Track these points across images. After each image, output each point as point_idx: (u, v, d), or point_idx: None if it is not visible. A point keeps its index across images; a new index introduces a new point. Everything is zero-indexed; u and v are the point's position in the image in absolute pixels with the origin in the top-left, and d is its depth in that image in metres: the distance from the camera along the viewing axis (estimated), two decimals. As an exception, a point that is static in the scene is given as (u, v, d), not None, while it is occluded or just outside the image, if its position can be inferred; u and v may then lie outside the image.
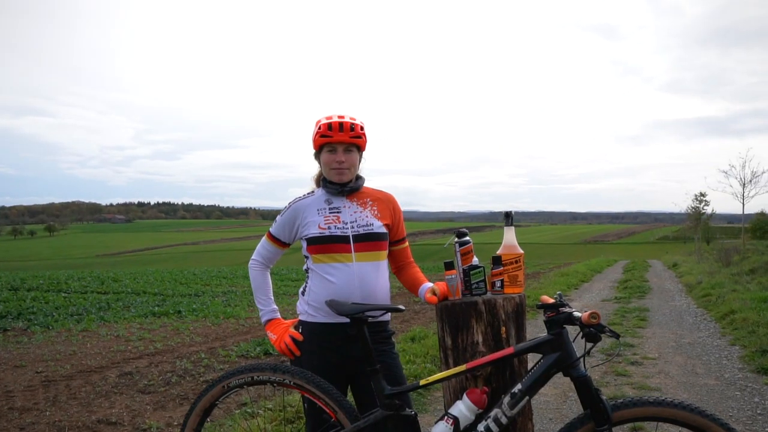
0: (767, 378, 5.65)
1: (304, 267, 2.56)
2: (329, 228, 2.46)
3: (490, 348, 2.24)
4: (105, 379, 6.23)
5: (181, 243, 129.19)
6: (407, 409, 2.25)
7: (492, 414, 2.07)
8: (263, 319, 2.61)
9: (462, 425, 2.11)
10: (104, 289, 17.12)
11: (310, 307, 2.50)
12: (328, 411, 2.27)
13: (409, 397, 2.41)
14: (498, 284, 2.35)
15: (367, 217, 2.51)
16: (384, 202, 2.59)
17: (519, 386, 2.07)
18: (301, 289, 2.59)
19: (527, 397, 2.06)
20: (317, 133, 2.47)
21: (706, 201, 34.89)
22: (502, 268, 2.35)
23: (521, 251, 2.37)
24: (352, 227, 2.47)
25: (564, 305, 2.10)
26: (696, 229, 36.73)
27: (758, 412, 4.67)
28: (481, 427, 2.08)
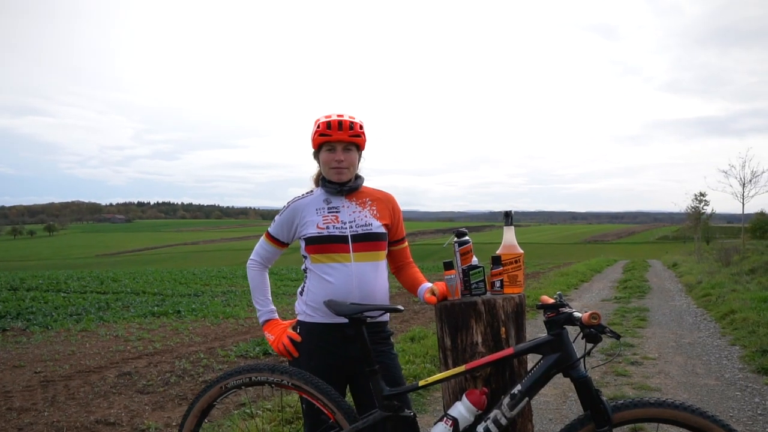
0: (767, 378, 5.64)
1: (303, 267, 2.55)
2: (328, 228, 2.44)
3: (490, 348, 2.22)
4: (104, 379, 6.22)
5: (181, 243, 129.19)
6: (406, 410, 2.23)
7: (491, 415, 2.06)
8: (261, 320, 2.60)
9: (461, 426, 2.09)
10: (103, 289, 17.11)
11: (308, 308, 2.49)
12: (326, 412, 2.25)
13: (408, 397, 2.39)
14: (497, 284, 2.33)
15: (366, 216, 2.50)
16: (383, 202, 2.58)
17: (519, 387, 2.06)
18: (300, 289, 2.57)
19: (527, 398, 2.05)
20: (316, 131, 2.46)
21: (705, 201, 34.89)
22: (501, 268, 2.33)
23: (521, 251, 2.36)
24: (351, 227, 2.46)
25: (564, 305, 2.09)
26: (696, 228, 36.72)
27: (759, 412, 4.66)
28: (480, 428, 2.06)
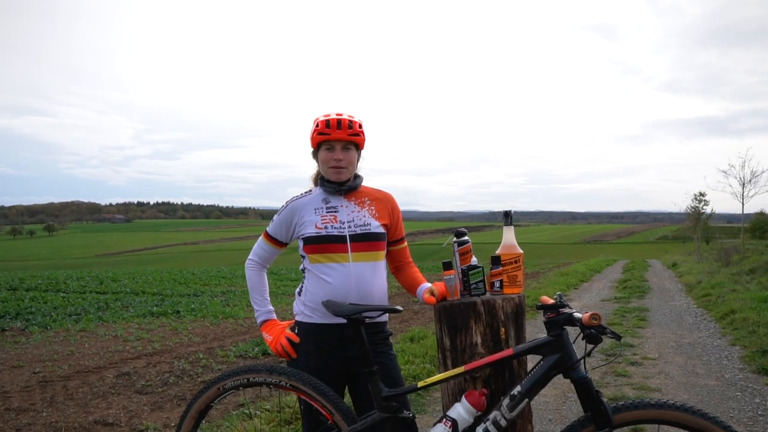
0: (767, 379, 5.64)
1: (301, 267, 2.54)
2: (326, 227, 2.43)
3: (489, 349, 2.21)
4: (102, 379, 6.20)
5: (181, 243, 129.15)
6: (405, 411, 2.22)
7: (491, 416, 2.04)
8: (259, 320, 2.58)
9: (460, 428, 2.08)
10: (103, 288, 17.09)
11: (306, 308, 2.47)
12: (324, 413, 2.24)
13: (406, 399, 2.38)
14: (497, 284, 2.32)
15: (364, 216, 2.48)
16: (382, 202, 2.56)
17: (518, 388, 2.04)
18: (298, 290, 2.55)
19: (527, 400, 2.03)
20: (315, 130, 2.44)
21: (705, 201, 34.88)
22: (501, 268, 2.32)
23: (521, 251, 2.34)
24: (349, 227, 2.44)
25: (564, 306, 2.07)
26: (695, 228, 36.71)
27: (759, 413, 4.65)
28: (479, 429, 2.05)
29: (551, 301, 2.11)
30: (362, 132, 2.48)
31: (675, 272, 21.70)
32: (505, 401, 2.04)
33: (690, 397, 5.11)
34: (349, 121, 2.42)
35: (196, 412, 2.38)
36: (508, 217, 2.37)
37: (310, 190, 2.59)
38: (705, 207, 35.22)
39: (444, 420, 2.10)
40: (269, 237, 2.56)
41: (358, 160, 2.54)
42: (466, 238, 2.37)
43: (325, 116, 2.44)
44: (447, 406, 2.25)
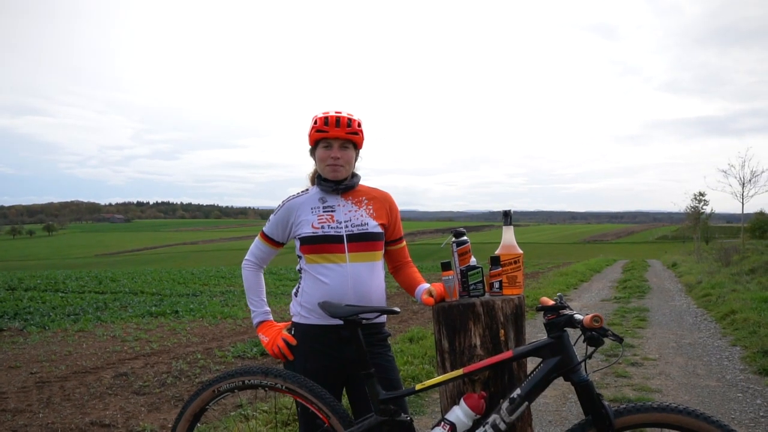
0: (769, 379, 5.60)
1: (298, 267, 2.50)
2: (322, 227, 2.39)
3: (489, 351, 2.18)
4: (100, 380, 6.16)
5: (180, 243, 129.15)
6: (402, 414, 2.18)
7: (490, 420, 2.01)
8: (255, 321, 2.54)
9: (459, 431, 2.04)
10: (102, 288, 17.04)
11: (303, 309, 2.43)
12: (321, 416, 2.20)
13: (404, 401, 2.35)
14: (496, 285, 2.28)
15: (361, 216, 2.45)
16: (380, 201, 2.52)
17: (518, 391, 2.01)
18: (294, 290, 2.52)
19: (526, 403, 2.00)
20: (313, 127, 2.41)
21: (705, 200, 34.86)
22: (500, 268, 2.28)
23: (520, 251, 2.31)
24: (346, 227, 2.41)
25: (564, 307, 2.04)
26: (695, 228, 36.70)
27: (761, 414, 4.61)
28: (478, 433, 2.02)
29: (551, 302, 2.08)
30: (361, 131, 2.45)
31: (675, 272, 21.68)
32: (505, 404, 2.01)
33: (691, 399, 5.08)
34: (348, 119, 2.39)
35: (190, 414, 2.34)
36: (507, 217, 2.33)
37: (307, 189, 2.55)
38: (705, 207, 35.22)
39: (442, 423, 2.07)
40: (266, 237, 2.52)
41: (356, 160, 2.51)
42: (464, 238, 2.33)
43: (324, 113, 2.41)
44: (445, 409, 2.21)
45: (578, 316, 1.98)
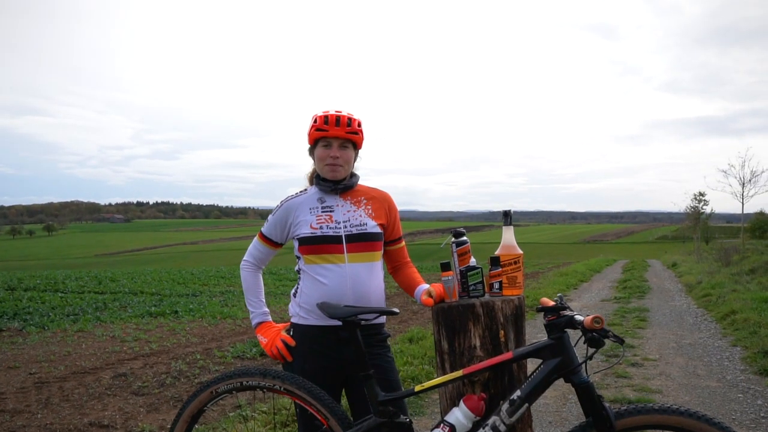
0: (770, 380, 5.58)
1: (296, 268, 2.48)
2: (321, 228, 2.38)
3: (488, 352, 2.16)
4: (99, 380, 6.15)
5: (180, 243, 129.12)
6: (402, 416, 2.17)
7: (490, 422, 1.99)
8: (254, 322, 2.53)
9: (458, 433, 2.03)
10: (101, 289, 17.03)
11: (301, 309, 2.42)
12: (319, 417, 2.19)
13: (404, 403, 2.33)
14: (496, 286, 2.27)
15: (360, 216, 2.43)
16: (379, 201, 2.51)
17: (518, 393, 1.99)
18: (293, 291, 2.50)
19: (527, 404, 1.98)
20: (313, 126, 2.39)
21: (705, 200, 34.84)
22: (500, 269, 2.27)
23: (520, 252, 2.29)
24: (345, 227, 2.39)
25: (565, 308, 2.02)
26: (695, 228, 36.68)
27: (762, 415, 4.60)
28: (478, 435, 2.00)
29: (552, 303, 2.06)
30: (361, 131, 2.44)
31: (675, 272, 21.67)
32: (505, 406, 1.99)
33: (691, 399, 5.06)
34: (348, 118, 2.38)
35: (188, 415, 2.33)
36: (507, 216, 2.32)
37: (305, 189, 2.54)
38: (705, 207, 35.21)
39: (442, 425, 2.06)
40: (264, 237, 2.51)
41: (355, 160, 2.49)
42: (464, 238, 2.31)
43: (324, 112, 2.39)
44: (445, 411, 2.20)
45: (579, 317, 1.96)
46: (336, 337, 2.32)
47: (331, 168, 2.40)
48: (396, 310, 2.28)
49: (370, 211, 2.46)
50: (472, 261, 2.29)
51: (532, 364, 2.12)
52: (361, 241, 2.38)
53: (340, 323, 2.18)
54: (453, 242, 2.31)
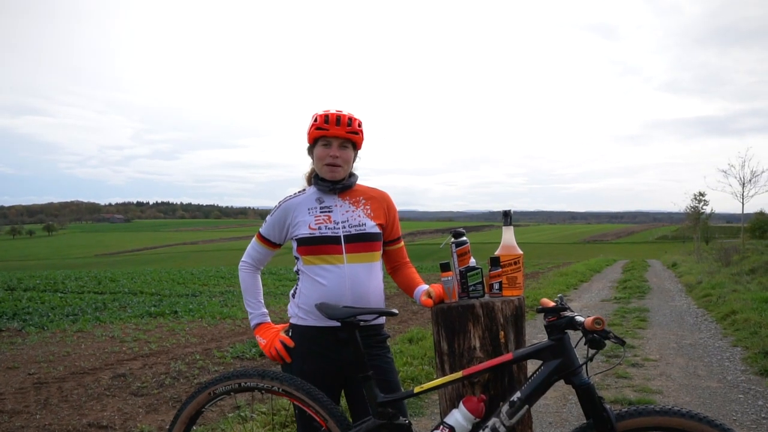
0: (770, 380, 5.57)
1: (295, 268, 2.47)
2: (319, 228, 2.36)
3: (488, 353, 2.14)
4: (98, 381, 6.13)
5: (180, 243, 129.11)
6: (401, 417, 2.15)
7: (490, 423, 1.98)
8: (252, 323, 2.51)
9: (458, 435, 2.01)
10: (101, 289, 17.01)
11: (300, 310, 2.40)
12: (318, 419, 2.17)
13: (403, 404, 2.32)
14: (496, 286, 2.25)
15: (359, 216, 2.41)
16: (378, 201, 2.49)
17: (518, 394, 1.97)
18: (292, 291, 2.49)
19: (527, 406, 1.96)
20: (313, 125, 2.38)
21: (705, 200, 34.81)
22: (500, 269, 2.25)
23: (520, 252, 2.28)
24: (344, 227, 2.37)
25: (565, 309, 2.01)
26: (695, 228, 36.67)
27: (762, 415, 4.58)
28: (478, 436, 1.98)
29: (552, 303, 2.04)
30: (361, 131, 2.42)
31: (675, 272, 21.65)
32: (505, 407, 1.98)
33: (692, 400, 5.04)
34: (349, 118, 2.37)
35: (186, 417, 2.31)
36: (507, 217, 2.30)
37: (304, 190, 2.52)
38: (705, 207, 35.18)
39: (441, 427, 2.04)
40: (262, 238, 2.49)
41: (354, 160, 2.48)
42: (464, 238, 2.30)
43: (325, 111, 2.38)
44: (444, 412, 2.18)
45: (579, 318, 1.95)
46: (335, 338, 2.31)
47: (330, 169, 2.38)
48: (395, 311, 2.27)
49: (368, 211, 2.44)
50: (472, 261, 2.28)
51: (532, 366, 2.11)
52: (359, 241, 2.36)
53: (338, 324, 2.17)
54: (452, 242, 2.29)
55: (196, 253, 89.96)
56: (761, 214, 47.07)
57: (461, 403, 2.06)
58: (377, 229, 2.43)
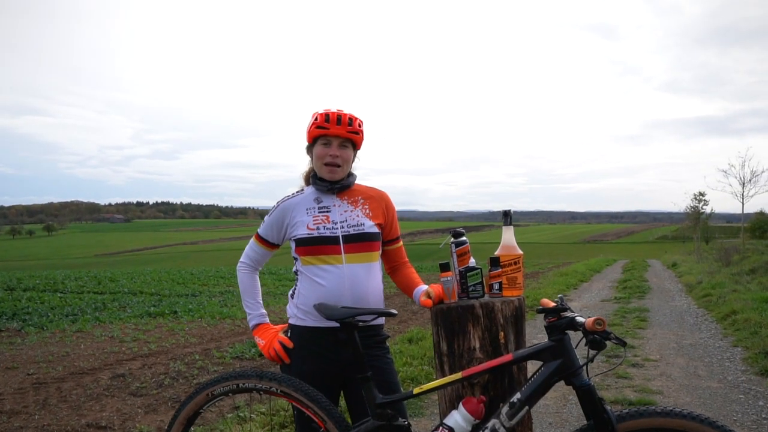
0: (771, 380, 5.55)
1: (294, 269, 2.46)
2: (318, 228, 2.35)
3: (488, 354, 2.13)
4: (97, 381, 6.12)
5: (180, 243, 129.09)
6: (400, 419, 2.14)
7: (489, 425, 1.96)
8: (251, 324, 2.50)
9: (458, 436, 2.00)
10: (101, 289, 17.00)
11: (299, 311, 2.39)
12: (316, 420, 2.16)
13: (402, 405, 2.30)
14: (496, 287, 2.24)
15: (357, 216, 2.40)
16: (376, 201, 2.48)
17: (518, 395, 1.96)
18: (291, 292, 2.48)
19: (527, 407, 1.95)
20: (313, 124, 2.37)
21: (705, 200, 34.79)
22: (500, 269, 2.24)
23: (520, 252, 2.26)
24: (342, 227, 2.36)
25: (566, 309, 1.99)
26: (695, 228, 36.65)
27: (763, 416, 4.57)
28: (478, 438, 1.97)
29: (552, 304, 2.03)
30: (361, 131, 2.41)
31: (675, 272, 21.63)
32: (504, 409, 1.96)
33: (692, 400, 5.03)
34: (350, 117, 2.35)
35: (184, 418, 2.30)
36: (507, 216, 2.29)
37: (302, 189, 2.51)
38: (705, 207, 35.16)
39: (440, 428, 2.03)
40: (260, 239, 2.48)
41: (353, 160, 2.46)
42: (463, 238, 2.29)
43: (326, 110, 2.37)
44: (444, 414, 2.17)
45: (580, 319, 1.93)
46: (334, 338, 2.29)
47: (329, 169, 2.37)
48: (394, 311, 2.25)
49: (367, 211, 2.43)
50: (472, 261, 2.27)
51: (532, 366, 2.09)
52: (358, 241, 2.35)
53: (337, 325, 2.16)
54: (452, 242, 2.28)
55: (196, 253, 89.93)
56: (761, 214, 47.05)
57: (461, 404, 2.05)
58: (376, 229, 2.41)
